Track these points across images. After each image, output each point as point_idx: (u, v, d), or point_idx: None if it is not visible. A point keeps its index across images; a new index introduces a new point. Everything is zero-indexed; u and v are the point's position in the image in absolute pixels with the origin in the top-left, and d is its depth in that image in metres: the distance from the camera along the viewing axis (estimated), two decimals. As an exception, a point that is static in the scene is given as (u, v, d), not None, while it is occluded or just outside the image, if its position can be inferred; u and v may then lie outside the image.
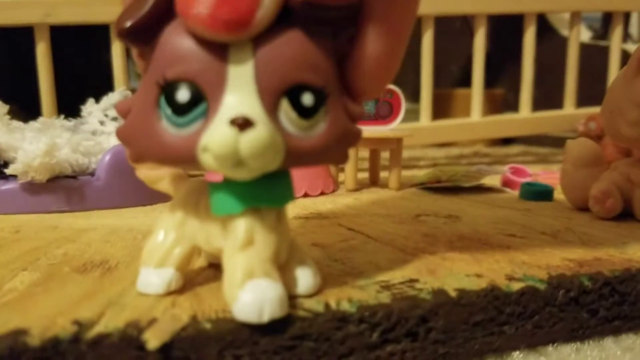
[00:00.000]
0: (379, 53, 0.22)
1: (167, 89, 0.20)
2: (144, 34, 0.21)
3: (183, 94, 0.20)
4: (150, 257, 0.25)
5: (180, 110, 0.20)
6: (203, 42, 0.20)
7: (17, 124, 0.52)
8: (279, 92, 0.20)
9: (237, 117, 0.19)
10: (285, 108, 0.20)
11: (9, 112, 0.52)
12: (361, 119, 0.23)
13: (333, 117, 0.22)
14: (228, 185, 0.22)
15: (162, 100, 0.20)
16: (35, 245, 0.34)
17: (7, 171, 0.45)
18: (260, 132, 0.19)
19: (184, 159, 0.20)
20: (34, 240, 0.36)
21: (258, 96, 0.20)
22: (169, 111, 0.20)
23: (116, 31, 0.20)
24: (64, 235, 0.37)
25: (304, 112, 0.20)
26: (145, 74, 0.21)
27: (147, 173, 0.27)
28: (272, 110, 0.20)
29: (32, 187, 0.46)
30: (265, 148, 0.19)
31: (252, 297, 0.21)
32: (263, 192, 0.22)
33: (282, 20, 0.20)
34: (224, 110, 0.19)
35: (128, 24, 0.20)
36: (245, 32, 0.19)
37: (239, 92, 0.20)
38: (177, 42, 0.20)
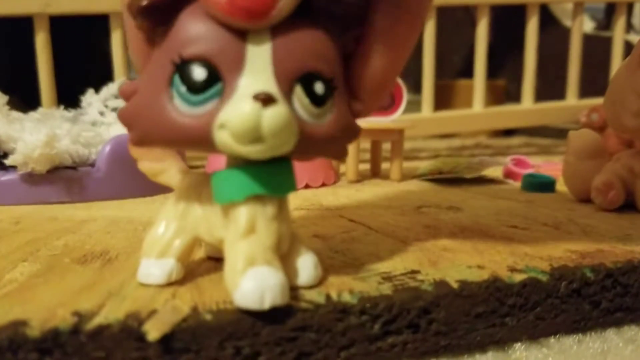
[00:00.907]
0: (381, 70, 0.23)
1: (183, 68, 0.20)
2: (160, 13, 0.21)
3: (199, 73, 0.20)
4: (151, 248, 0.24)
5: (195, 88, 0.20)
6: (222, 25, 0.20)
7: (16, 114, 0.52)
8: (294, 77, 0.21)
9: (261, 92, 0.19)
10: (298, 94, 0.21)
11: (9, 103, 0.51)
12: (361, 117, 0.24)
13: (338, 109, 0.22)
14: (230, 173, 0.22)
15: (176, 79, 0.20)
16: (35, 237, 0.34)
17: (7, 162, 0.45)
18: (282, 108, 0.19)
19: (196, 137, 0.20)
20: (34, 232, 0.36)
21: (274, 79, 0.20)
22: (183, 89, 0.20)
23: (132, 8, 0.21)
24: (64, 227, 0.37)
25: (316, 100, 0.21)
26: (156, 54, 0.21)
27: (149, 165, 0.27)
28: (286, 94, 0.20)
29: (32, 178, 0.46)
30: (286, 125, 0.19)
31: (253, 284, 0.21)
32: (265, 180, 0.22)
33: (299, 11, 0.21)
34: (242, 89, 0.20)
35: (145, 1, 0.20)
36: (265, 20, 0.20)
37: (256, 74, 0.20)
38: (195, 23, 0.20)
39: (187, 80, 0.20)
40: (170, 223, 0.25)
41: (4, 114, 0.50)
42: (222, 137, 0.20)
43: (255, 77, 0.20)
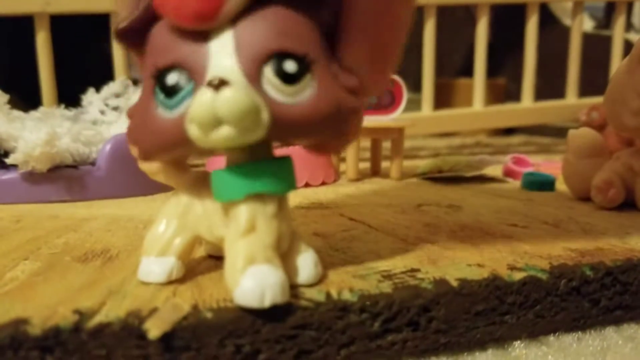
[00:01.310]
0: (368, 43, 0.23)
1: (159, 77, 0.21)
2: (138, 33, 0.22)
3: (172, 77, 0.21)
4: (151, 246, 0.25)
5: (170, 92, 0.21)
6: (185, 30, 0.21)
7: (17, 113, 0.52)
8: (259, 60, 0.21)
9: (213, 78, 0.20)
10: (268, 75, 0.21)
11: (9, 102, 0.51)
12: (362, 94, 0.23)
13: (321, 84, 0.22)
14: (230, 171, 0.22)
15: (157, 89, 0.22)
16: (36, 235, 0.34)
17: (8, 161, 0.45)
18: (237, 90, 0.19)
19: (175, 137, 0.21)
20: (34, 230, 0.36)
21: (239, 66, 0.20)
22: (162, 96, 0.21)
23: (114, 33, 0.22)
24: (65, 225, 0.37)
25: (288, 78, 0.21)
26: (143, 71, 0.23)
27: (149, 164, 0.27)
28: (255, 78, 0.21)
29: (33, 177, 0.46)
30: (244, 106, 0.19)
31: (253, 282, 0.21)
32: (265, 178, 0.22)
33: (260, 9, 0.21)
34: (205, 81, 0.20)
35: (122, 25, 0.22)
36: (214, 22, 0.21)
37: (220, 66, 0.21)
38: (163, 34, 0.22)
39: (163, 87, 0.21)
40: (170, 221, 0.25)
41: (4, 113, 0.50)
42: (192, 131, 0.20)
43: (219, 69, 0.20)
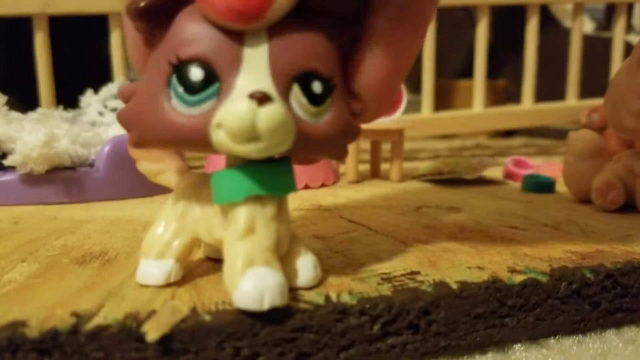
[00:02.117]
0: (378, 72, 0.23)
1: (180, 68, 0.20)
2: (158, 15, 0.21)
3: (196, 73, 0.20)
4: (150, 248, 0.24)
5: (192, 88, 0.20)
6: (218, 26, 0.20)
7: (15, 114, 0.52)
8: (291, 77, 0.21)
9: (257, 91, 0.19)
10: (296, 93, 0.21)
11: (8, 103, 0.51)
12: (363, 119, 0.24)
13: (337, 109, 0.22)
14: (229, 173, 0.22)
15: (174, 80, 0.20)
16: (34, 237, 0.34)
17: (6, 162, 0.45)
18: (278, 107, 0.19)
19: (194, 137, 0.20)
20: (33, 232, 0.36)
21: (271, 79, 0.20)
22: (180, 90, 0.20)
23: (130, 10, 0.21)
24: (63, 227, 0.37)
25: (314, 99, 0.21)
26: (154, 55, 0.22)
27: (148, 166, 0.27)
28: (284, 94, 0.21)
29: (31, 179, 0.46)
30: (282, 124, 0.19)
31: (252, 285, 0.20)
32: (264, 180, 0.22)
33: (296, 11, 0.21)
34: (240, 88, 0.20)
35: (143, 3, 0.20)
36: (259, 22, 0.20)
37: (253, 74, 0.20)
38: (192, 24, 0.21)
39: (184, 80, 0.20)
40: (169, 223, 0.25)
41: (3, 114, 0.50)
42: (219, 137, 0.20)
43: (252, 77, 0.20)
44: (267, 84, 0.20)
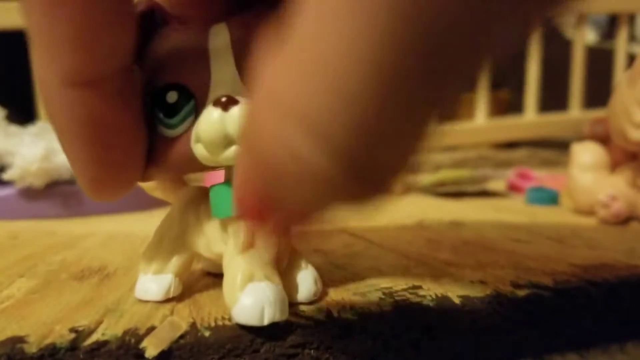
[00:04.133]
0: None
1: (157, 96, 0.21)
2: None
3: (171, 96, 0.21)
4: (148, 263, 0.24)
5: (170, 111, 0.21)
6: (183, 47, 0.21)
7: (14, 128, 0.52)
8: None
9: (219, 97, 0.19)
10: None
11: (7, 117, 0.51)
12: None
13: None
14: (228, 187, 0.22)
15: (155, 108, 0.21)
16: (32, 252, 0.34)
17: (5, 176, 0.45)
18: (245, 109, 0.19)
19: (180, 157, 0.21)
20: (31, 247, 0.36)
21: (241, 85, 0.20)
22: (161, 115, 0.21)
23: None
24: (62, 242, 0.37)
25: None
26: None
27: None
28: None
29: (30, 193, 0.46)
30: None
31: (252, 299, 0.20)
32: None
33: (259, 13, 0.21)
34: (210, 100, 0.20)
35: None
36: None
37: (223, 84, 0.20)
38: (159, 51, 0.21)
39: (162, 106, 0.21)
40: (167, 238, 0.24)
41: (2, 128, 0.50)
42: (200, 152, 0.20)
43: (222, 88, 0.20)
44: (237, 88, 0.20)
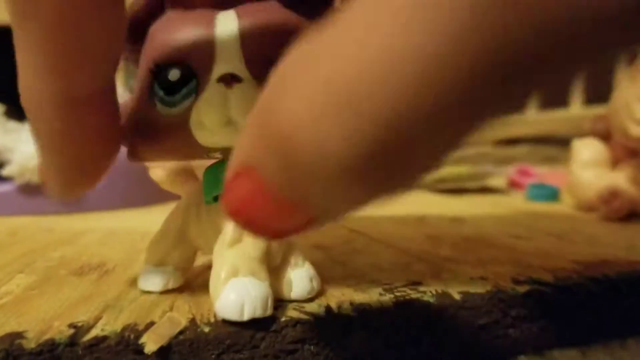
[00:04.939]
0: None
1: (159, 73, 0.21)
2: (136, 31, 0.22)
3: (173, 74, 0.20)
4: (152, 254, 0.25)
5: (171, 89, 0.20)
6: (189, 27, 0.20)
7: (13, 125, 0.52)
8: (266, 61, 0.20)
9: (224, 74, 0.20)
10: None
11: (5, 113, 0.51)
12: None
13: None
14: (220, 167, 0.22)
15: (155, 86, 0.21)
16: (31, 248, 0.34)
17: (3, 173, 0.45)
18: (249, 87, 0.20)
19: (179, 137, 0.21)
20: (30, 243, 0.36)
21: (245, 65, 0.20)
22: (161, 93, 0.21)
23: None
24: (61, 238, 0.37)
25: None
26: (138, 70, 0.22)
27: (159, 173, 0.27)
28: (261, 80, 0.20)
29: (29, 189, 0.46)
30: (253, 103, 0.19)
31: (233, 295, 0.20)
32: None
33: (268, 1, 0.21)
34: (213, 77, 0.20)
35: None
36: None
37: (226, 64, 0.20)
38: (164, 29, 0.21)
39: (163, 83, 0.21)
40: (171, 231, 0.25)
41: (0, 124, 0.50)
42: (198, 129, 0.20)
43: (225, 66, 0.20)
44: (240, 68, 0.20)
